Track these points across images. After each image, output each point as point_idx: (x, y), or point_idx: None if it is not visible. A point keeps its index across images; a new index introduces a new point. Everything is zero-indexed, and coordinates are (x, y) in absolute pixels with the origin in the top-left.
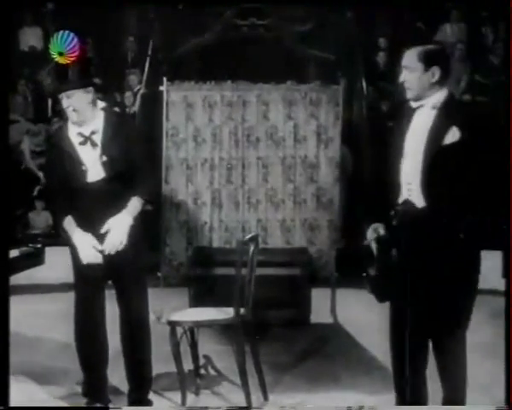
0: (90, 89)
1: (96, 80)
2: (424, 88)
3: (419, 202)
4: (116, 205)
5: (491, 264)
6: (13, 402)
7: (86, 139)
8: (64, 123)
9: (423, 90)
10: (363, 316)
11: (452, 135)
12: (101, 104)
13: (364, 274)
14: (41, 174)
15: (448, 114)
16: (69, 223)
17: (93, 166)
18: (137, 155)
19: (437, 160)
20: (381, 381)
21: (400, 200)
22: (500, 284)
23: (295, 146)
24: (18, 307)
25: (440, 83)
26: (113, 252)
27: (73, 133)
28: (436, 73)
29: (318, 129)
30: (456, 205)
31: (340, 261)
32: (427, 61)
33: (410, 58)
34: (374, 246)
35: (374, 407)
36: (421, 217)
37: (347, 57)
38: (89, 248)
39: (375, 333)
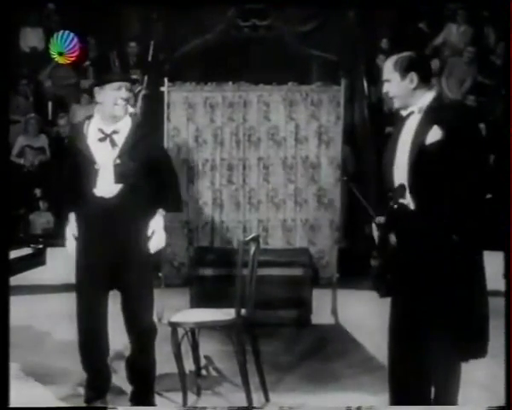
0: (130, 86)
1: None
2: (406, 95)
3: (410, 204)
4: (126, 217)
5: (492, 264)
6: (13, 403)
7: (106, 137)
8: (85, 121)
9: (406, 97)
10: (364, 317)
11: (434, 134)
12: (130, 109)
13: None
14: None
15: (431, 115)
16: (71, 217)
17: (105, 167)
18: (161, 170)
19: (420, 160)
20: (382, 381)
21: (394, 205)
22: (501, 284)
23: (296, 146)
24: (19, 308)
25: (423, 87)
26: (155, 251)
27: (94, 129)
28: (414, 78)
29: (319, 129)
30: (444, 205)
31: (342, 262)
32: (402, 68)
33: (387, 69)
34: (375, 234)
35: (372, 407)
36: (414, 220)
37: (349, 58)
38: (70, 237)
39: (376, 334)
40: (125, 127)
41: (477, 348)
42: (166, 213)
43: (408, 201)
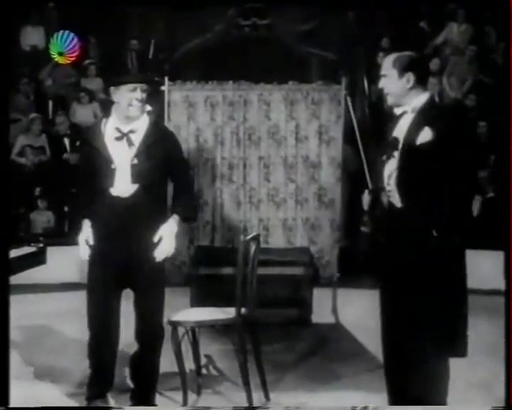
0: (146, 87)
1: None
2: (401, 94)
3: (397, 202)
4: (142, 217)
5: (492, 264)
6: (13, 402)
7: (123, 136)
8: (102, 119)
9: (401, 96)
10: (364, 316)
11: (425, 135)
12: (148, 108)
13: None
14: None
15: (423, 116)
16: (85, 223)
17: (122, 167)
18: (178, 173)
19: (410, 160)
20: (383, 380)
21: (385, 203)
22: (502, 284)
23: (297, 145)
24: (19, 307)
25: (418, 88)
26: (161, 259)
27: (111, 127)
28: (411, 78)
29: (320, 128)
30: (431, 205)
31: (342, 261)
32: (401, 67)
33: (386, 65)
34: (366, 200)
35: (378, 407)
36: (400, 217)
37: (349, 56)
38: (83, 244)
39: (376, 333)
40: (142, 126)
41: (455, 346)
42: (184, 222)
43: (395, 196)
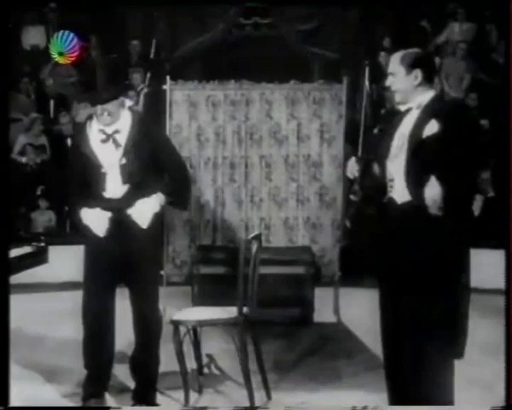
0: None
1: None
2: (408, 90)
3: (399, 198)
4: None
5: (493, 263)
6: (14, 402)
7: (108, 137)
8: (86, 121)
9: (408, 93)
10: (366, 315)
11: (431, 127)
12: (128, 103)
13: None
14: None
15: (429, 110)
16: (84, 211)
17: (112, 169)
18: (169, 163)
19: (417, 152)
20: (384, 380)
21: (385, 199)
22: (502, 283)
23: (298, 145)
24: (21, 306)
25: (425, 85)
26: (135, 219)
27: (96, 130)
28: (418, 75)
29: (321, 128)
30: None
31: (344, 260)
32: (409, 64)
33: (393, 63)
34: (353, 169)
35: (377, 407)
36: (401, 212)
37: (351, 56)
38: (97, 218)
39: (377, 332)
40: (125, 125)
41: (452, 347)
42: (173, 207)
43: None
